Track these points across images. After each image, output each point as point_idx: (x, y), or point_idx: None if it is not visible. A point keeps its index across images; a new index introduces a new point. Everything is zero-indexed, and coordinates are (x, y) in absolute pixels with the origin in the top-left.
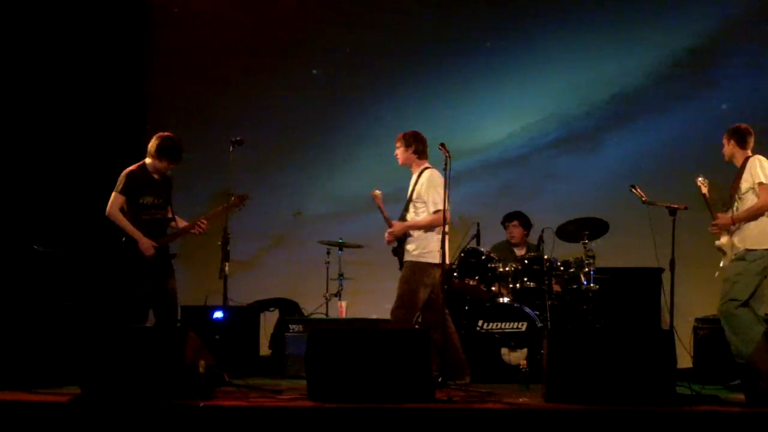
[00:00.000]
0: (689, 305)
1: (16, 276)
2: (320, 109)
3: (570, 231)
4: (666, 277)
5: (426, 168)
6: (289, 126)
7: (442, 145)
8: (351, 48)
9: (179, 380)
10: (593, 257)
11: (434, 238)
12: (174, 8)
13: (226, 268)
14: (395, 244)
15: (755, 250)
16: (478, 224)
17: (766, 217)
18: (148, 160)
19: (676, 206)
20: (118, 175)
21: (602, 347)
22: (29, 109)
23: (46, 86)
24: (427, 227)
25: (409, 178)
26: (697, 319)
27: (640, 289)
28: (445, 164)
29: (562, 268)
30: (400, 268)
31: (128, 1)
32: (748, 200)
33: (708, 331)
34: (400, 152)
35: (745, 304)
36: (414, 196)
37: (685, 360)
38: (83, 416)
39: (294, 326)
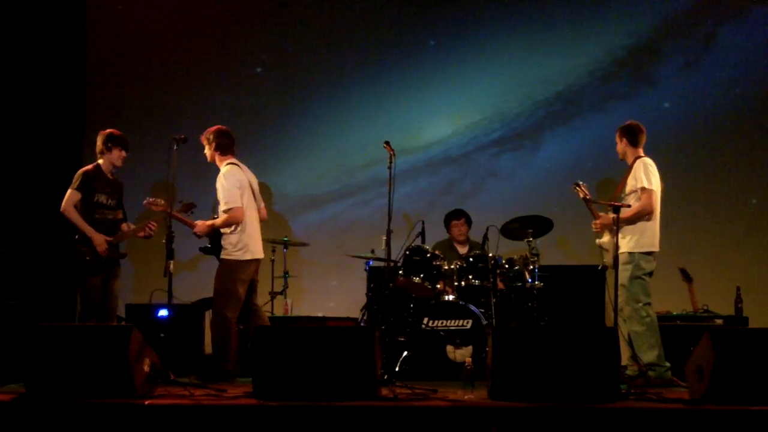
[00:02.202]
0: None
1: None
2: (263, 107)
3: (514, 229)
4: (610, 274)
5: (228, 164)
6: (232, 124)
7: (387, 143)
8: (293, 47)
9: (124, 379)
10: (537, 255)
11: (244, 235)
12: (118, 5)
13: (171, 267)
14: (208, 243)
15: (634, 252)
16: (423, 222)
17: (648, 221)
18: (101, 161)
19: (619, 204)
20: (58, 174)
21: (547, 345)
22: None
23: None
24: (225, 226)
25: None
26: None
27: (584, 286)
28: (390, 162)
29: (506, 266)
30: None
31: None
32: (630, 202)
33: None
34: (206, 151)
35: (650, 303)
36: (216, 194)
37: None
38: (27, 415)
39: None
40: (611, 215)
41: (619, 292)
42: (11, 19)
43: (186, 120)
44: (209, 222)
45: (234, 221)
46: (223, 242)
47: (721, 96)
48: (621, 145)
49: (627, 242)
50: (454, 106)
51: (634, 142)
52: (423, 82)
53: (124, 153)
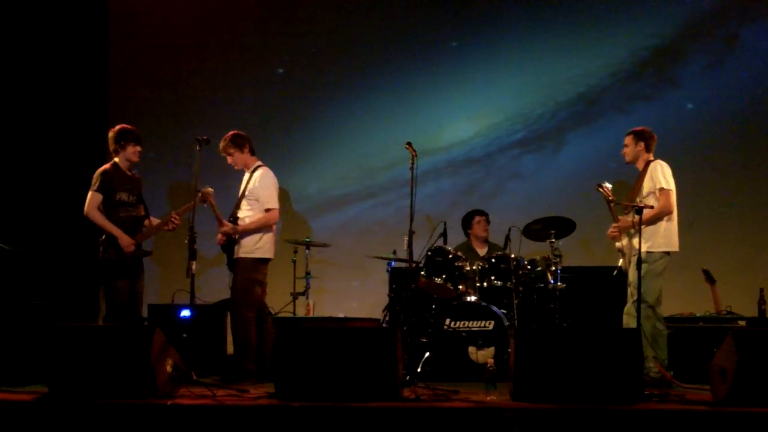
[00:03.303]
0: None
1: None
2: (286, 108)
3: (536, 230)
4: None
5: (259, 166)
6: (255, 125)
7: (409, 144)
8: (316, 48)
9: (146, 379)
10: (560, 256)
11: (267, 235)
12: (138, 7)
13: (193, 267)
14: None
15: (654, 252)
16: (444, 223)
17: (666, 221)
18: (117, 159)
19: (642, 205)
20: (82, 175)
21: (569, 346)
22: None
23: (7, 84)
24: (263, 226)
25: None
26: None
27: (606, 287)
28: (412, 163)
29: (528, 267)
30: (229, 266)
31: None
32: (649, 203)
33: (674, 330)
34: (234, 157)
35: (653, 306)
36: (247, 193)
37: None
38: (49, 415)
39: None
40: (630, 218)
41: (631, 291)
42: (35, 24)
43: (208, 121)
44: (247, 223)
45: (273, 222)
46: (243, 241)
47: (745, 97)
48: (635, 149)
49: (644, 242)
50: (476, 107)
51: (649, 147)
52: (445, 83)
53: (138, 147)
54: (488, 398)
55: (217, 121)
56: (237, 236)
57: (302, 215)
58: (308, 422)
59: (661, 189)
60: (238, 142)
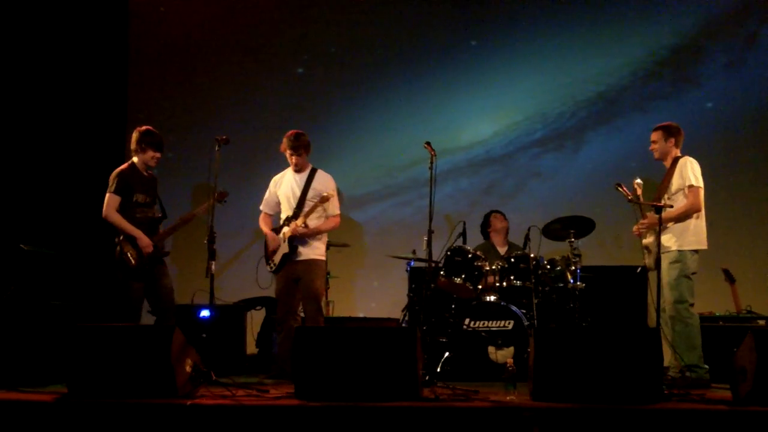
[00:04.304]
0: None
1: (2, 275)
2: (305, 108)
3: (556, 230)
4: (652, 275)
5: (314, 168)
6: (274, 125)
7: (428, 143)
8: (336, 47)
9: (166, 379)
10: (579, 256)
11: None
12: (160, 7)
13: (213, 267)
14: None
15: (685, 251)
16: (464, 223)
17: (695, 219)
18: (135, 159)
19: (661, 204)
20: (101, 175)
21: (589, 345)
22: (12, 109)
23: (29, 86)
24: (330, 230)
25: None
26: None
27: (626, 287)
28: (431, 162)
29: (548, 267)
30: (277, 271)
31: None
32: (678, 201)
33: None
34: (302, 158)
35: (692, 304)
36: (310, 193)
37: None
38: (69, 415)
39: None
40: (655, 215)
41: (664, 291)
42: (56, 25)
43: (228, 121)
44: (318, 225)
45: (337, 227)
46: (315, 242)
47: (765, 95)
48: (665, 145)
49: (675, 240)
50: (496, 106)
51: (678, 143)
52: (464, 83)
53: (158, 155)
54: (508, 398)
55: (236, 121)
56: (307, 236)
57: None
58: (328, 422)
59: (691, 186)
60: (305, 143)
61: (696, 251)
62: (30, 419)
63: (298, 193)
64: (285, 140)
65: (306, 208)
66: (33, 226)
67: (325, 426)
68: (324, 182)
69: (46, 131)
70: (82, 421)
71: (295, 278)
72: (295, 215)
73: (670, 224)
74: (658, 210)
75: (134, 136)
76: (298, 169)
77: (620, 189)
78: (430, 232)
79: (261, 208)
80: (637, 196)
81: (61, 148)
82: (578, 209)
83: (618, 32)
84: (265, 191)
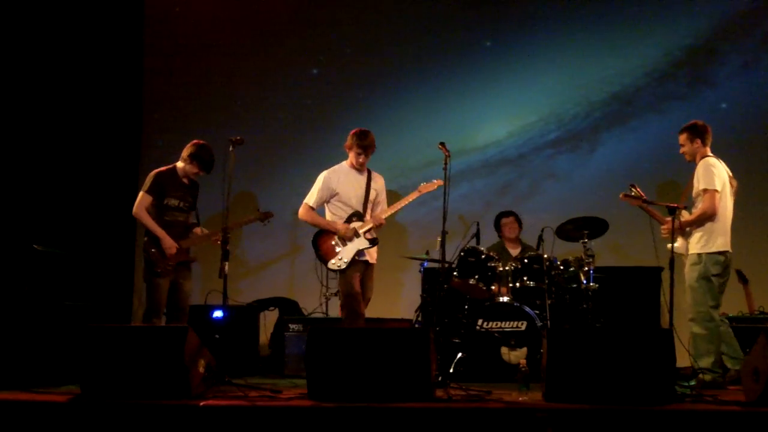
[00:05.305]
0: (689, 304)
1: (16, 275)
2: (320, 108)
3: (569, 230)
4: (665, 276)
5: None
6: (289, 126)
7: (442, 144)
8: (351, 48)
9: (179, 380)
10: (593, 256)
11: None
12: (175, 7)
13: (226, 268)
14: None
15: (702, 254)
16: (477, 223)
17: (715, 222)
18: (179, 164)
19: (675, 205)
20: (115, 175)
21: (602, 346)
22: (28, 110)
23: (45, 86)
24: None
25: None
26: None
27: (639, 288)
28: (445, 163)
29: (561, 267)
30: (349, 267)
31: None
32: (697, 204)
33: None
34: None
35: (716, 306)
36: (372, 196)
37: (684, 359)
38: (82, 416)
39: (294, 325)
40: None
41: (687, 295)
42: (72, 23)
43: (242, 121)
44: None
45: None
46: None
47: None
48: (692, 147)
49: (695, 243)
50: (510, 107)
51: (705, 141)
52: (479, 83)
53: (201, 173)
54: (521, 399)
55: (251, 121)
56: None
57: None
58: (341, 423)
59: (705, 190)
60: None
61: (720, 253)
62: (43, 420)
63: (361, 193)
64: (353, 137)
65: (369, 208)
66: (46, 227)
67: (339, 427)
68: (381, 184)
69: (61, 132)
70: (96, 422)
71: (361, 277)
72: (357, 215)
73: (692, 228)
74: (672, 211)
75: (189, 146)
76: (360, 169)
77: (634, 190)
78: (444, 233)
79: (309, 202)
80: (642, 198)
81: (75, 148)
82: (593, 210)
83: (633, 33)
84: (279, 190)
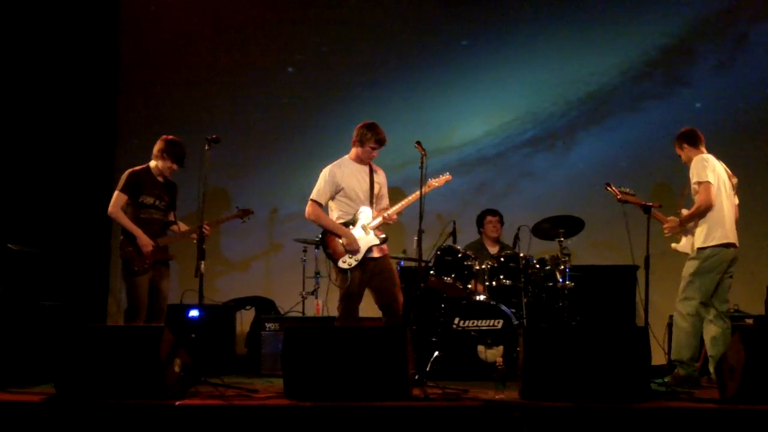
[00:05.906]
0: (664, 302)
1: None
2: (296, 107)
3: (545, 229)
4: (641, 274)
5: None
6: (265, 125)
7: (418, 142)
8: (327, 47)
9: (155, 379)
10: (569, 255)
11: None
12: (151, 6)
13: (202, 267)
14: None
15: (704, 248)
16: (454, 222)
17: (711, 213)
18: (152, 163)
19: (650, 204)
20: (91, 174)
21: (578, 344)
22: (1, 109)
23: (19, 85)
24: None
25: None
26: (671, 316)
27: (615, 286)
28: (421, 162)
29: (537, 266)
30: (360, 264)
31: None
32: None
33: None
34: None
35: (705, 303)
36: (376, 190)
37: (659, 357)
38: (57, 416)
39: (270, 325)
40: (676, 218)
41: (682, 286)
42: (46, 20)
43: (218, 121)
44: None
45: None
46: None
47: (754, 96)
48: (684, 153)
49: (696, 237)
50: (487, 106)
51: (694, 144)
52: (455, 82)
53: (174, 167)
54: (497, 397)
55: (227, 120)
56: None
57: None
58: (318, 422)
59: (698, 183)
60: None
61: (717, 246)
62: (18, 419)
63: (367, 188)
64: (366, 131)
65: (374, 203)
66: (21, 226)
67: (316, 426)
68: (383, 177)
69: (36, 131)
70: (71, 422)
71: (370, 275)
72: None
73: (696, 223)
74: (647, 209)
75: (159, 142)
76: (364, 162)
77: (609, 189)
78: (421, 232)
79: (316, 198)
80: (618, 198)
81: (50, 147)
82: (569, 209)
83: (609, 32)
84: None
